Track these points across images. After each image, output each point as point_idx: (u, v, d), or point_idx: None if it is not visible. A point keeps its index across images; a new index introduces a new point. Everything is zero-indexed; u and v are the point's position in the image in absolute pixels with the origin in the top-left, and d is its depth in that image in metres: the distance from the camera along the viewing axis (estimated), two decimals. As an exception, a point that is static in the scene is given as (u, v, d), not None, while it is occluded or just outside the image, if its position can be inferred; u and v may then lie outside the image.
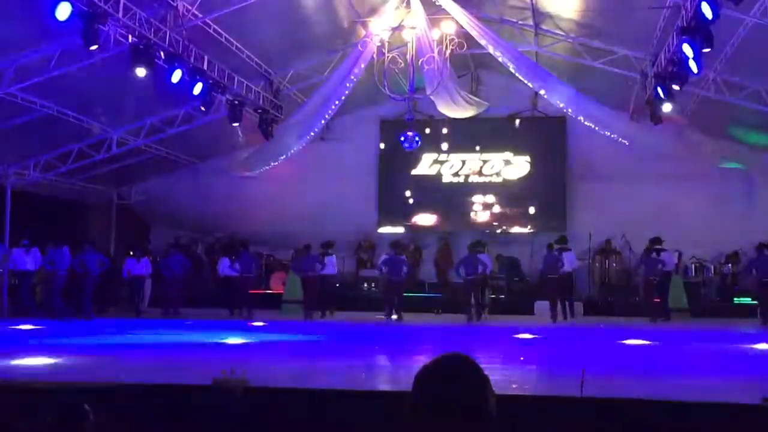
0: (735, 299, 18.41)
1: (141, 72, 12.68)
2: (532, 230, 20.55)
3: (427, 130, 19.84)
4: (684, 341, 13.09)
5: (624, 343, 11.90)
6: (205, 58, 14.56)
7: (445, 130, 20.77)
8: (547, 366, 9.49)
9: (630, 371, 8.70)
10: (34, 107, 14.95)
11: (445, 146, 21.02)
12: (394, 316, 16.81)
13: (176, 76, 13.74)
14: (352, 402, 6.16)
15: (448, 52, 13.03)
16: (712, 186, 18.99)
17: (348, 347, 11.65)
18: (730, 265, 18.85)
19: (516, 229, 20.81)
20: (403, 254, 18.13)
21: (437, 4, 13.51)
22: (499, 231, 20.79)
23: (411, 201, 21.20)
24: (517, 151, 20.90)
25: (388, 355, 10.79)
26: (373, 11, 15.15)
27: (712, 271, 19.45)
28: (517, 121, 20.80)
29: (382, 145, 21.17)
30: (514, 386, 6.73)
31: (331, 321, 17.09)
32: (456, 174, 21.22)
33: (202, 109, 15.50)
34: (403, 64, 13.20)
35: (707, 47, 11.70)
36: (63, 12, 10.85)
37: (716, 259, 19.49)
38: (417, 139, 15.55)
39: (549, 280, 17.27)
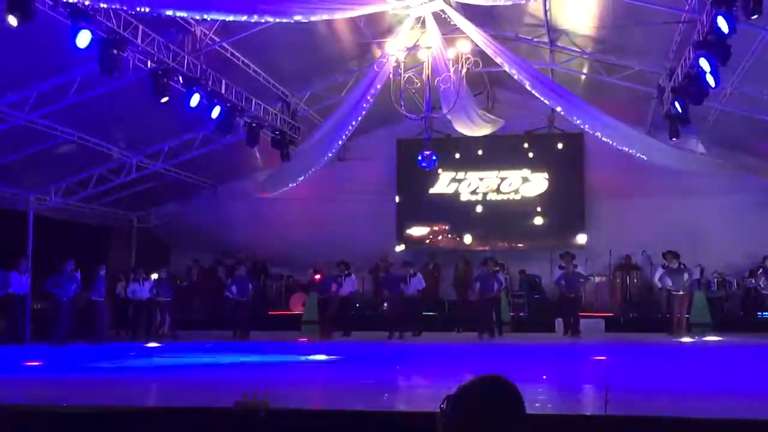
0: (759, 313, 18.19)
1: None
2: (550, 247, 20.44)
3: (444, 149, 19.86)
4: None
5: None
6: (223, 81, 14.71)
7: (462, 149, 20.78)
8: (571, 384, 9.41)
9: (656, 388, 8.61)
10: (55, 133, 15.14)
11: (462, 164, 21.06)
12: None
13: (194, 100, 13.90)
14: (376, 423, 6.13)
15: (464, 70, 13.04)
16: (732, 199, 18.85)
17: (368, 367, 11.60)
18: (753, 279, 18.65)
19: (535, 246, 20.73)
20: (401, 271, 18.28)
21: (452, 23, 13.55)
22: (518, 246, 20.75)
23: (429, 220, 21.20)
24: (535, 168, 20.87)
25: (410, 375, 10.75)
26: (388, 32, 15.24)
27: (735, 285, 19.25)
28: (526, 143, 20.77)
29: (399, 165, 21.22)
30: (536, 405, 6.68)
31: (350, 341, 17.07)
32: (474, 192, 21.21)
33: (226, 135, 15.68)
34: (419, 84, 13.23)
35: (724, 62, 11.65)
36: (83, 40, 11.01)
37: (739, 273, 19.29)
38: (434, 158, 15.57)
39: (570, 299, 17.32)
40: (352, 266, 18.98)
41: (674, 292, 16.75)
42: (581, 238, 20.36)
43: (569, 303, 17.40)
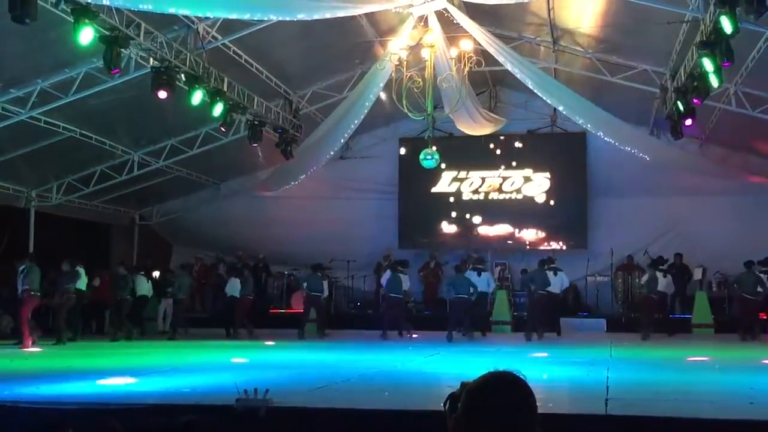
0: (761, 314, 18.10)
1: (162, 95, 12.18)
2: (553, 247, 20.39)
3: (447, 148, 19.80)
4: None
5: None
6: (225, 79, 14.70)
7: (464, 148, 20.73)
8: (571, 383, 9.40)
9: (656, 389, 8.59)
10: (57, 130, 15.15)
11: (464, 164, 21.01)
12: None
13: (197, 97, 13.89)
14: (377, 421, 6.13)
15: (467, 69, 13.03)
16: (734, 200, 18.82)
17: (369, 366, 11.58)
18: (736, 284, 18.49)
19: (536, 246, 20.69)
20: (404, 272, 17.95)
21: (455, 22, 13.53)
22: (520, 246, 20.73)
23: (431, 219, 21.17)
24: (537, 168, 20.82)
25: (411, 374, 10.73)
26: (391, 30, 15.23)
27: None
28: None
29: (401, 164, 21.19)
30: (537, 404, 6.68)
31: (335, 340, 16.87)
32: (476, 191, 21.17)
33: (222, 129, 15.65)
34: (421, 83, 13.22)
35: (727, 62, 11.64)
36: (86, 37, 11.00)
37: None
38: (436, 156, 15.54)
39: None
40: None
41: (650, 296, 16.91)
42: (582, 238, 20.33)
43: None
